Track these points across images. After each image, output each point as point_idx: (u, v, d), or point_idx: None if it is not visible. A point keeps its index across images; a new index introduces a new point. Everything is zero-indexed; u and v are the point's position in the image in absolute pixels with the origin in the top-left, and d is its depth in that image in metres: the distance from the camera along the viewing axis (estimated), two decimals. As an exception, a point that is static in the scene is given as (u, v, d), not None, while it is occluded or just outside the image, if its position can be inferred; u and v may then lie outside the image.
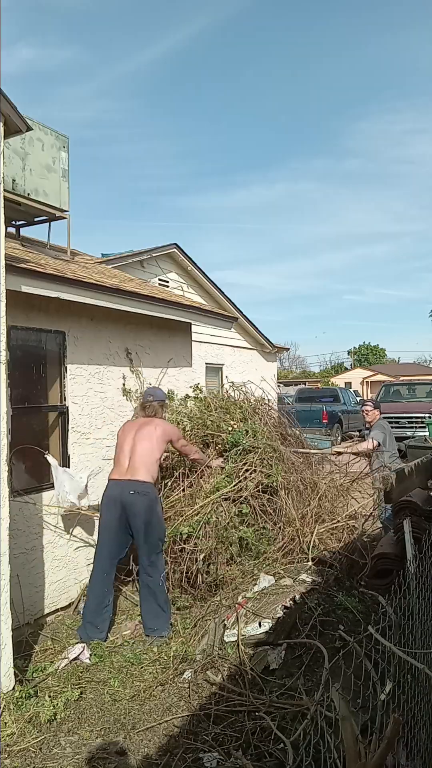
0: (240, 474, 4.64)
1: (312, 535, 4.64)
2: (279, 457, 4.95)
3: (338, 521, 4.88)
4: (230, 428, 4.95)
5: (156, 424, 4.27)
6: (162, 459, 4.35)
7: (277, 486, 4.72)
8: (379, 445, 5.95)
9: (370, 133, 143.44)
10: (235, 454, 4.76)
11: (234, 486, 4.56)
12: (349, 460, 5.90)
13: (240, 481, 4.60)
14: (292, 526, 4.70)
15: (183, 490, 4.71)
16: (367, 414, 6.50)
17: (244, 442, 4.79)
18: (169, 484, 4.82)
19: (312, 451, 5.95)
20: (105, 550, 4.06)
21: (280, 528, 4.67)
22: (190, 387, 6.10)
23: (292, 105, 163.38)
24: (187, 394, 5.93)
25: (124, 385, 5.36)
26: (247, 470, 4.67)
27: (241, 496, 4.55)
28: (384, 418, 6.58)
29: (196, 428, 5.10)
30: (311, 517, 4.79)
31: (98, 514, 4.24)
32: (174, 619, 4.12)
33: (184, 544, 4.27)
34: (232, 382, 6.23)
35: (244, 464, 4.70)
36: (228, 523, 4.39)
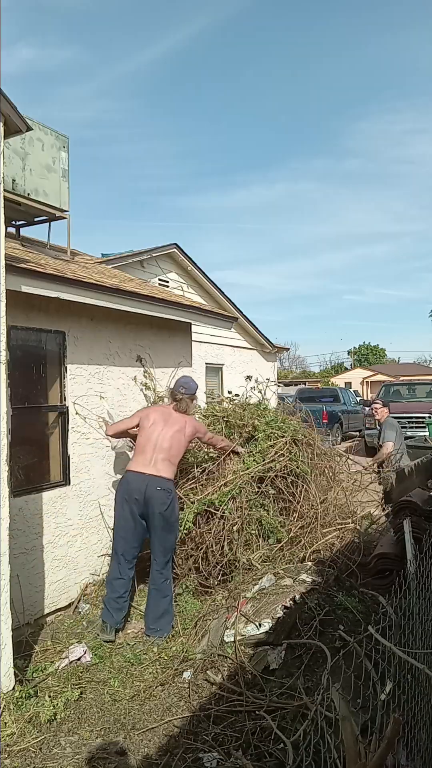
0: (268, 456, 4.80)
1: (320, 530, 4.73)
2: (306, 443, 5.19)
3: (347, 523, 4.89)
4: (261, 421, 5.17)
5: (188, 422, 4.21)
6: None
7: (299, 472, 4.86)
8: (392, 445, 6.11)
9: (370, 133, 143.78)
10: (265, 438, 4.94)
11: (263, 465, 4.72)
12: (370, 466, 6.01)
13: (267, 463, 4.76)
14: (308, 514, 4.79)
15: (207, 472, 4.84)
16: (377, 412, 6.64)
17: (275, 426, 5.03)
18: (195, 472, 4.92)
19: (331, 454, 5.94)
20: (122, 546, 4.00)
21: (296, 514, 4.76)
22: (226, 394, 6.19)
23: (292, 105, 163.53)
24: (222, 398, 6.19)
25: (136, 380, 5.50)
26: (276, 453, 4.83)
27: (268, 476, 4.70)
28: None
29: (231, 422, 5.26)
30: (325, 512, 4.89)
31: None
32: (174, 619, 4.12)
33: (213, 514, 4.43)
34: (251, 377, 6.25)
35: (272, 446, 4.87)
36: (252, 501, 4.56)
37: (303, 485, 4.83)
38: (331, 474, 5.30)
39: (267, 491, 4.67)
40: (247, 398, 5.80)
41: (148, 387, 5.69)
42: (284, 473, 4.79)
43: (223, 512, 4.40)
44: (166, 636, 3.93)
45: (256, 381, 6.13)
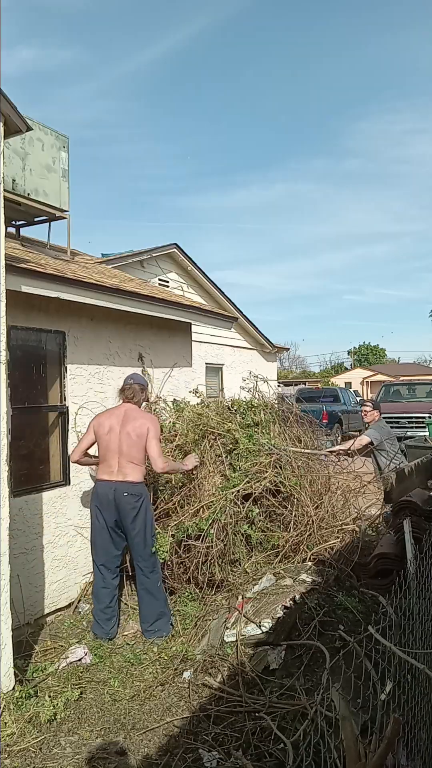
0: (251, 473, 4.53)
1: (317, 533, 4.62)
2: (292, 460, 4.79)
3: (342, 526, 4.82)
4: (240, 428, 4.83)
5: (144, 421, 4.01)
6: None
7: (288, 488, 4.58)
8: (371, 443, 5.77)
9: (370, 133, 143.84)
10: (247, 453, 4.63)
11: (246, 483, 4.43)
12: (351, 462, 5.77)
13: (250, 482, 4.47)
14: (301, 522, 4.59)
15: (182, 494, 4.63)
16: (366, 414, 6.24)
17: (257, 445, 4.67)
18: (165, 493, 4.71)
19: (307, 451, 5.78)
20: (103, 556, 4.00)
21: (291, 524, 4.55)
22: (190, 391, 6.02)
23: (291, 105, 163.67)
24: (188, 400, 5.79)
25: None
26: (258, 471, 4.55)
27: (253, 493, 4.45)
28: (384, 418, 6.42)
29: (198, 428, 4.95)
30: (318, 521, 4.69)
31: None
32: (174, 619, 4.12)
33: (195, 541, 4.20)
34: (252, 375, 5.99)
35: (254, 465, 4.57)
36: (236, 522, 4.34)
37: (294, 495, 4.58)
38: (325, 477, 5.10)
39: (251, 511, 4.40)
40: (243, 396, 5.69)
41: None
42: (272, 488, 4.54)
43: (204, 537, 4.19)
44: (166, 636, 3.93)
45: (254, 376, 5.96)
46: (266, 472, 4.55)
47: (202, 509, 4.37)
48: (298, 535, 4.53)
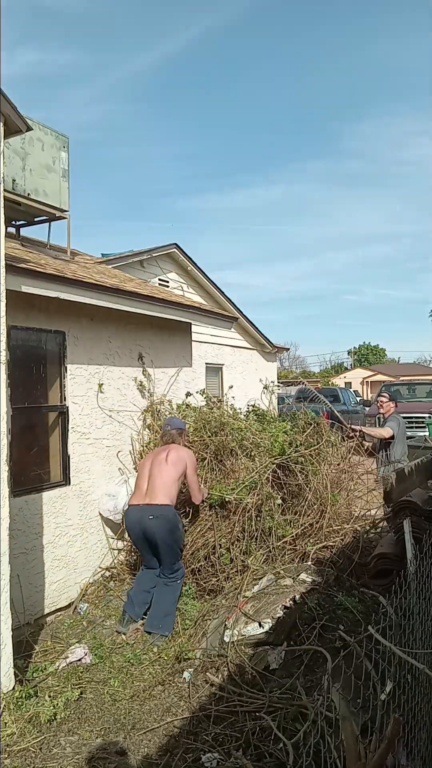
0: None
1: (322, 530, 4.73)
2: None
3: (344, 527, 4.86)
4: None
5: (175, 449, 4.36)
6: (181, 480, 4.35)
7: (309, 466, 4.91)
8: (393, 437, 5.83)
9: (370, 134, 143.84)
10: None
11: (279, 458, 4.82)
12: (358, 462, 5.80)
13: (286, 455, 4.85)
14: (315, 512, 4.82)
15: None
16: (381, 405, 6.22)
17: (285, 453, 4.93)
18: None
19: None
20: (144, 558, 4.32)
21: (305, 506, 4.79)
22: (197, 392, 6.06)
23: (292, 106, 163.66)
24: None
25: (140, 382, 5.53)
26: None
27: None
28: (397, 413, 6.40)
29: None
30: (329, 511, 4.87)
31: None
32: (175, 620, 4.12)
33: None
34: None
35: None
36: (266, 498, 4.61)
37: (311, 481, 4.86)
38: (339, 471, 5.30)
39: (272, 496, 4.65)
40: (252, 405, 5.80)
41: (144, 386, 5.67)
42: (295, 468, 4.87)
43: (240, 501, 4.51)
44: (167, 637, 3.93)
45: (266, 387, 6.10)
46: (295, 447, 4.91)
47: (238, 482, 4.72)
48: (311, 522, 4.71)
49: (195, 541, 4.61)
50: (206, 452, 5.00)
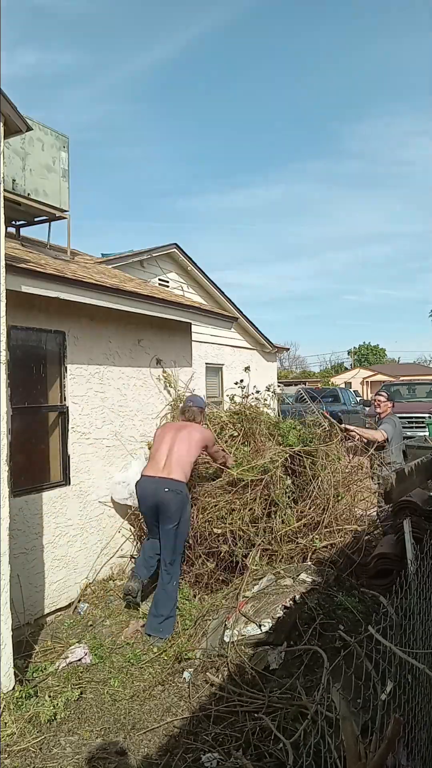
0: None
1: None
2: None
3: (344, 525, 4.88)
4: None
5: (196, 429, 4.43)
6: (195, 463, 4.45)
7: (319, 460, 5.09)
8: (387, 441, 5.68)
9: (369, 135, 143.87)
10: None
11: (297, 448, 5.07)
12: (350, 459, 5.71)
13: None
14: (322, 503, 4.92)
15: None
16: (378, 405, 6.03)
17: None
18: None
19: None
20: (149, 531, 4.35)
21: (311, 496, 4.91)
22: (235, 383, 6.19)
23: (291, 107, 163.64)
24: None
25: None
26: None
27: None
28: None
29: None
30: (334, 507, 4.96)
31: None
32: (175, 621, 4.12)
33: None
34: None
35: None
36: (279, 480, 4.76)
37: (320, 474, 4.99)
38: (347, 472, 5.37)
39: (283, 479, 4.82)
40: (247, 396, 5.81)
41: (170, 384, 5.82)
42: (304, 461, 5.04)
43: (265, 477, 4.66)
44: (167, 638, 3.93)
45: (266, 389, 6.12)
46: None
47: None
48: (317, 520, 4.79)
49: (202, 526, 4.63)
50: (240, 431, 5.35)
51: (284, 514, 4.64)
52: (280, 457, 4.91)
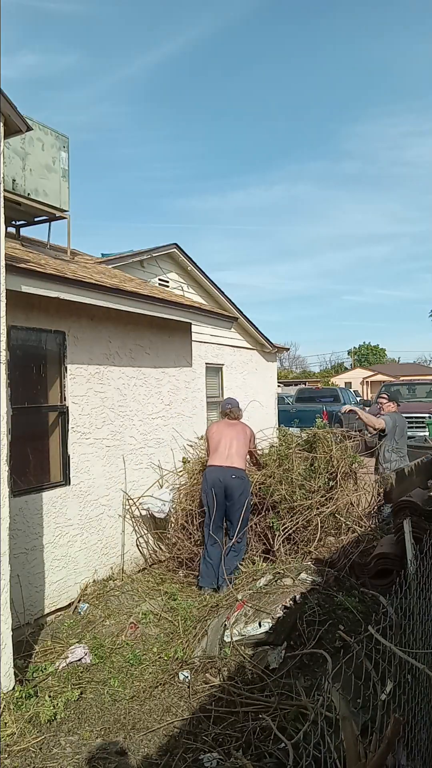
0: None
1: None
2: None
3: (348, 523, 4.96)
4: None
5: (246, 427, 5.35)
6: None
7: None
8: (384, 431, 5.92)
9: (368, 135, 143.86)
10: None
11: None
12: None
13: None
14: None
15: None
16: (382, 407, 6.42)
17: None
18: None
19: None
20: (214, 519, 4.94)
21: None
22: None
23: (290, 107, 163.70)
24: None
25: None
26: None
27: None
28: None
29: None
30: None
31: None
32: (174, 618, 4.12)
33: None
34: None
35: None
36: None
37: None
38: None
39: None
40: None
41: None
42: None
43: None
44: (236, 572, 4.61)
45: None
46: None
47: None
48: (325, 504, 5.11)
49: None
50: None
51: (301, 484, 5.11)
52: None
